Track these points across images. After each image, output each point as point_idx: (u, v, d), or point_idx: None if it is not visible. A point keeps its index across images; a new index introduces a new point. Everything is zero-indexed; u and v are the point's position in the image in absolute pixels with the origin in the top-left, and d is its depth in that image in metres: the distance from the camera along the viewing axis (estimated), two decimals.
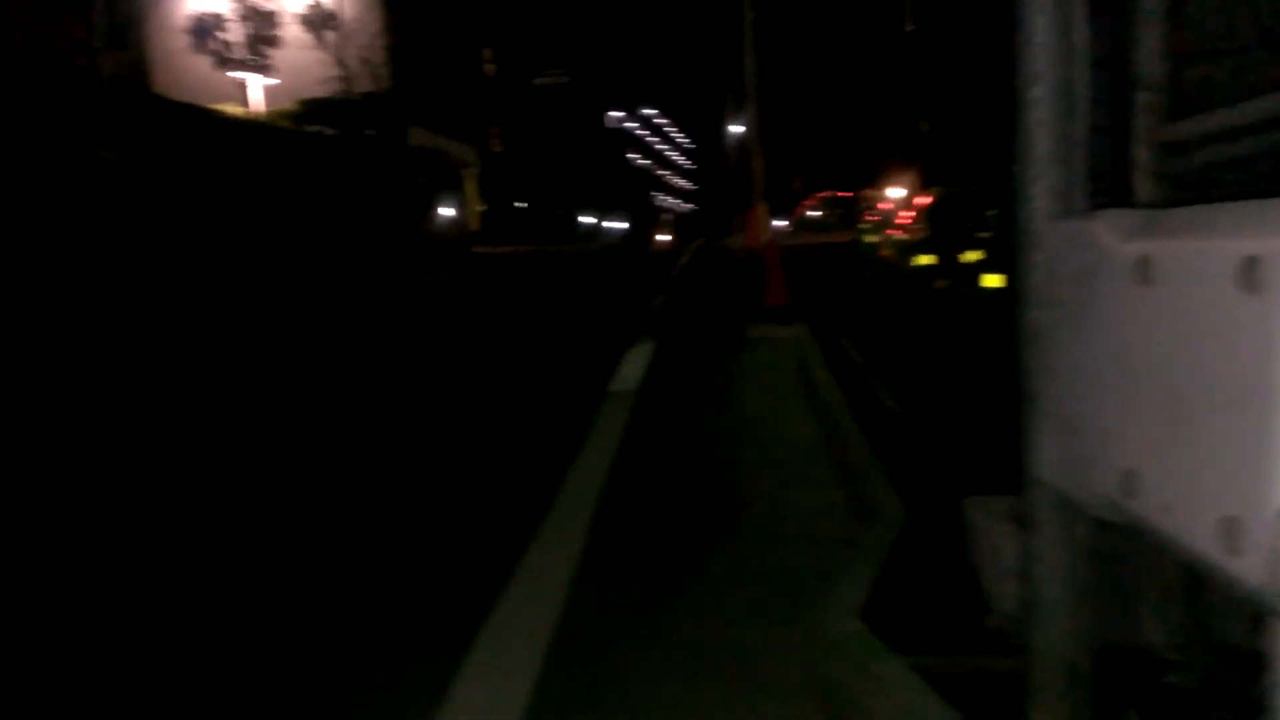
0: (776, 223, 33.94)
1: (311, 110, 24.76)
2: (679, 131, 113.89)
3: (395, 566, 3.56)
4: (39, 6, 18.98)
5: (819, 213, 42.42)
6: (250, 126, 20.80)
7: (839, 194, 42.44)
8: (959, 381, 6.20)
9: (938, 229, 13.28)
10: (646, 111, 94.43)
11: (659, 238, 46.74)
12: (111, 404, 7.34)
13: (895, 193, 21.09)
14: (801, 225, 41.69)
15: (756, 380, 7.13)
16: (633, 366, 7.82)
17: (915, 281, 13.62)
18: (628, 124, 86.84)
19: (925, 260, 13.94)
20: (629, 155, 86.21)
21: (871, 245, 18.99)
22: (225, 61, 28.88)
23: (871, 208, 22.00)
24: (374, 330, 12.45)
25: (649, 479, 4.62)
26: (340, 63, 28.87)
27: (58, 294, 12.06)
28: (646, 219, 58.75)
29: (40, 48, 16.08)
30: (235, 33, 28.77)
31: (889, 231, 17.80)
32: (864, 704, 2.25)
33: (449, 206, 29.96)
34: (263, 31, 28.98)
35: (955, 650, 2.40)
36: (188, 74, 28.41)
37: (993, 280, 10.42)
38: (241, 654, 2.84)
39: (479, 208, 44.73)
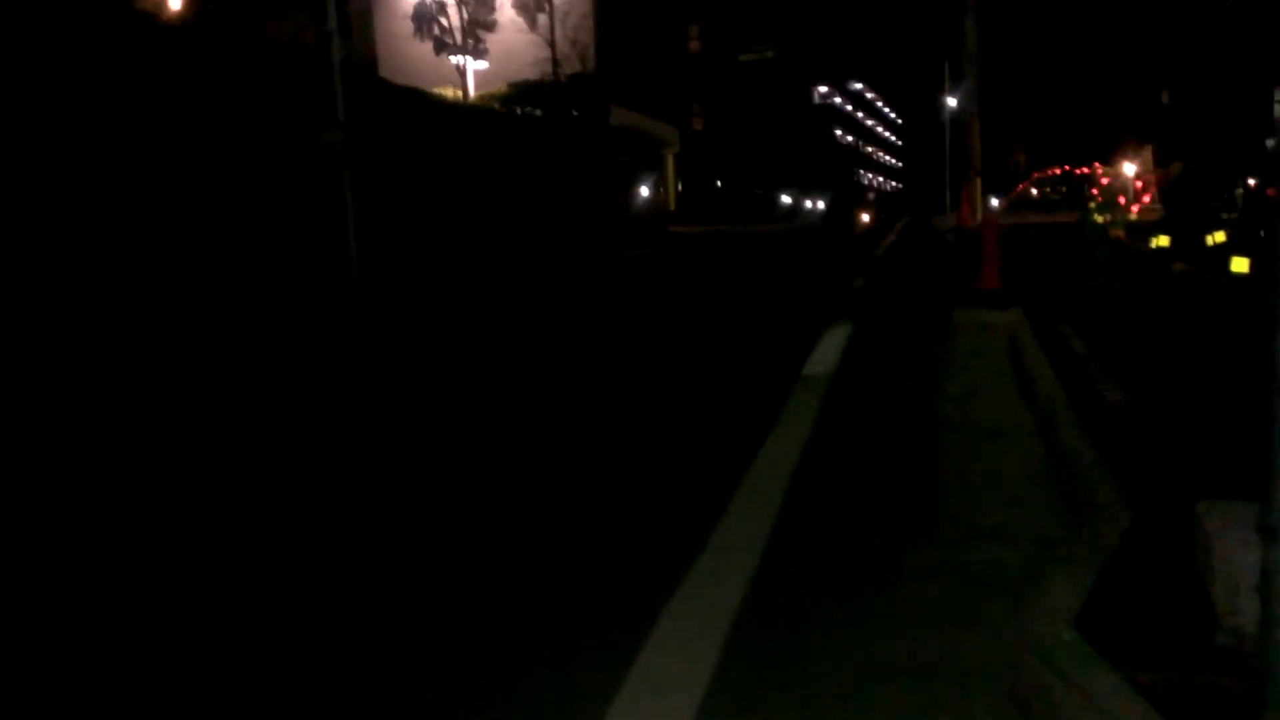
0: (993, 200, 32.30)
1: (520, 93, 25.60)
2: (888, 106, 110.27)
3: (590, 533, 3.60)
4: None
5: (1041, 190, 40.08)
6: (463, 109, 21.76)
7: (1064, 170, 39.89)
8: (1197, 376, 5.64)
9: (1177, 208, 12.18)
10: (854, 86, 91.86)
11: (863, 217, 45.52)
12: (358, 373, 7.87)
13: (1128, 169, 19.59)
14: (1021, 203, 39.53)
15: (964, 367, 6.78)
16: (829, 350, 7.62)
17: (1150, 265, 12.57)
18: (834, 99, 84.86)
19: (1162, 242, 12.84)
20: (834, 132, 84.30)
21: (1100, 225, 17.72)
22: (443, 46, 30.30)
23: (1101, 184, 20.55)
24: (573, 306, 12.75)
25: (842, 465, 4.46)
26: (549, 45, 29.67)
27: (291, 265, 13.06)
28: (850, 197, 57.32)
29: (272, 35, 17.37)
30: (453, 18, 30.11)
31: (1121, 210, 16.52)
32: None
33: (648, 185, 30.29)
34: (479, 17, 30.19)
35: (1180, 667, 2.18)
36: (410, 59, 30.04)
37: (1240, 265, 9.44)
38: (445, 612, 2.94)
39: (678, 187, 44.99)
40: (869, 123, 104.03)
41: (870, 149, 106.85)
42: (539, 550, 3.48)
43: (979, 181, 14.45)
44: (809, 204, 59.09)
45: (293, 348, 9.27)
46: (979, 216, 13.34)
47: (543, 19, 30.36)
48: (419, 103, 17.98)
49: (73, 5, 10.34)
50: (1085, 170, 34.29)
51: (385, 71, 26.13)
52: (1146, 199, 15.23)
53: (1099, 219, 18.62)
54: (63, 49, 10.00)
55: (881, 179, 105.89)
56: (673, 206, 41.30)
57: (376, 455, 5.02)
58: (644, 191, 29.82)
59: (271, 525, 3.90)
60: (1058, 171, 40.25)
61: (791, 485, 4.07)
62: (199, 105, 11.85)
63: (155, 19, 13.46)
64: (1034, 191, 39.83)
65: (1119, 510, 3.20)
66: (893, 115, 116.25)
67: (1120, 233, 15.77)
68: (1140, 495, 3.32)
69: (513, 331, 10.16)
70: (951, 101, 37.91)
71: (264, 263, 12.59)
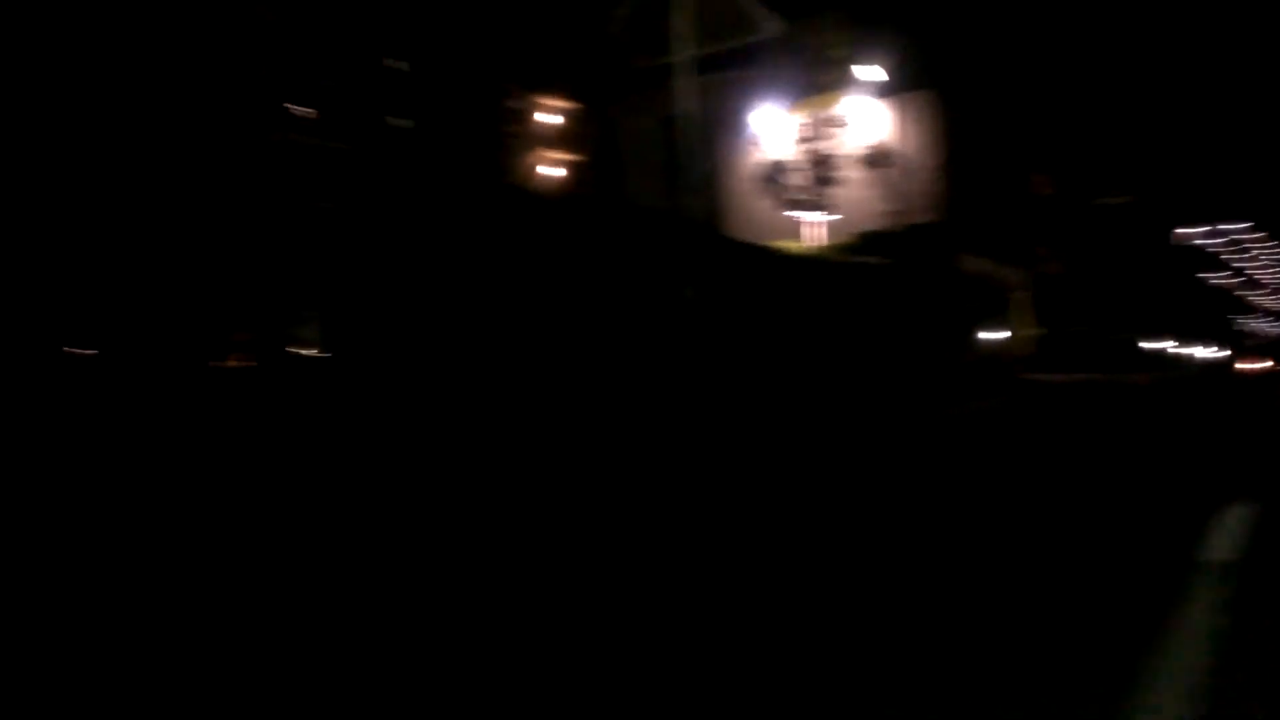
0: None
1: (866, 242, 25.82)
2: (1271, 245, 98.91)
3: None
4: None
5: None
6: (803, 260, 22.25)
7: None
8: None
9: None
10: (1226, 227, 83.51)
11: (1247, 365, 40.35)
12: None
13: None
14: None
15: None
16: (1230, 532, 6.56)
17: None
18: (1203, 240, 77.50)
19: None
20: (1206, 274, 76.62)
21: None
22: (787, 202, 31.45)
23: None
24: (907, 459, 12.16)
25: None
26: (896, 196, 29.87)
27: (652, 412, 13.68)
28: (1229, 343, 51.32)
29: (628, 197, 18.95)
30: (798, 177, 31.25)
31: None
32: None
33: (994, 331, 29.01)
34: (823, 174, 31.11)
35: None
36: (753, 214, 31.43)
37: None
38: None
39: (1031, 331, 42.78)
40: (1246, 263, 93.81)
41: (1249, 291, 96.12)
42: None
43: None
44: (1181, 350, 53.56)
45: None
46: None
47: (891, 172, 30.75)
48: (759, 255, 18.65)
49: (459, 185, 11.89)
50: None
51: (729, 227, 27.49)
52: None
53: None
54: (454, 222, 11.46)
55: (1272, 322, 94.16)
56: (1026, 352, 39.29)
57: None
58: (990, 337, 28.59)
59: None
60: None
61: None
62: (571, 262, 13.01)
63: (538, 192, 15.16)
64: None
65: None
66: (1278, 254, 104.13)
67: None
68: None
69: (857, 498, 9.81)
70: None
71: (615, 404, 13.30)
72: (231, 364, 19.24)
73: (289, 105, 23.40)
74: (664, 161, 20.41)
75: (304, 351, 17.17)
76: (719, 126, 29.51)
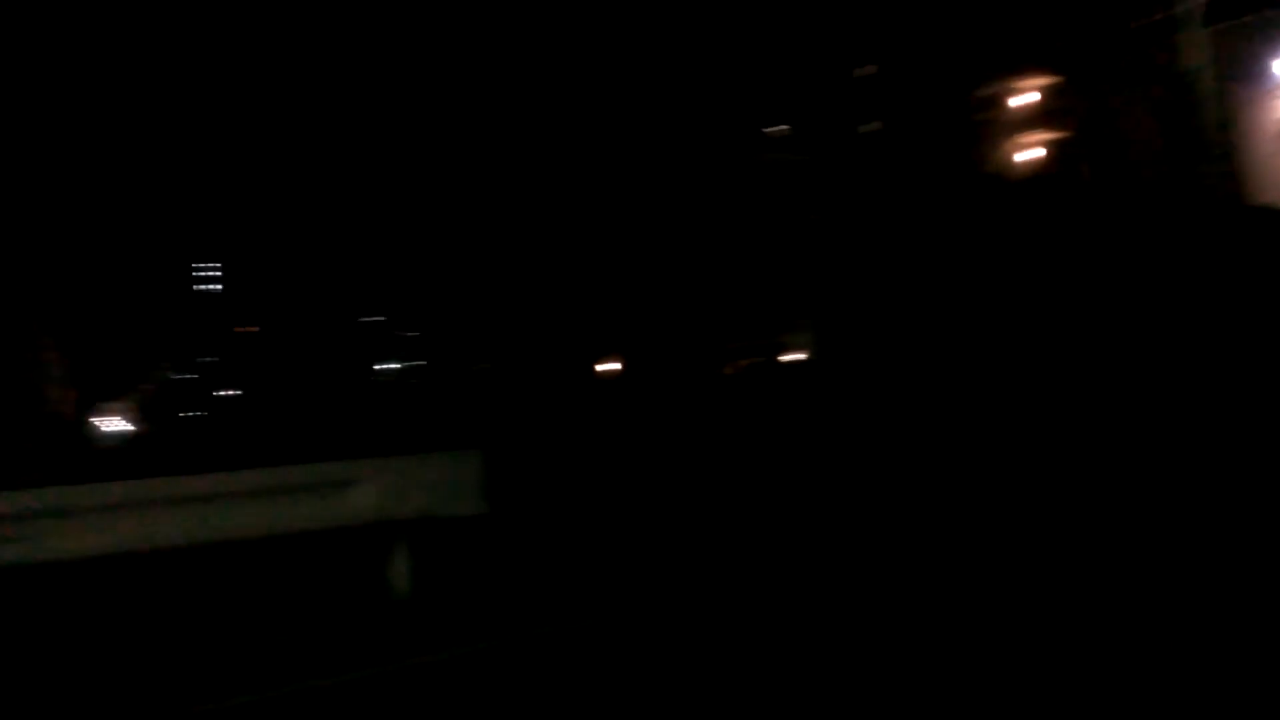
0: None
1: None
2: None
3: None
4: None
5: None
6: None
7: None
8: None
9: None
10: None
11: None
12: None
13: None
14: None
15: None
16: None
17: None
18: None
19: None
20: None
21: None
22: None
23: None
24: None
25: None
26: None
27: None
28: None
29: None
30: None
31: None
32: None
33: None
34: None
35: None
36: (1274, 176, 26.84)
37: None
38: None
39: None
40: None
41: None
42: None
43: None
44: None
45: None
46: None
47: None
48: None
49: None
50: None
51: (1259, 197, 23.84)
52: None
53: None
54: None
55: None
56: None
57: None
58: None
59: None
60: None
61: None
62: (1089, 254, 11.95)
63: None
64: None
65: None
66: None
67: None
68: None
69: None
70: None
71: None
72: (729, 371, 20.83)
73: (764, 128, 24.75)
74: (1164, 130, 18.33)
75: (793, 357, 18.00)
76: (1233, 81, 25.72)
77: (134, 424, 28.89)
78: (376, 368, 53.23)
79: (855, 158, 23.70)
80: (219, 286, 49.02)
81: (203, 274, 48.47)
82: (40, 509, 6.47)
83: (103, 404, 29.53)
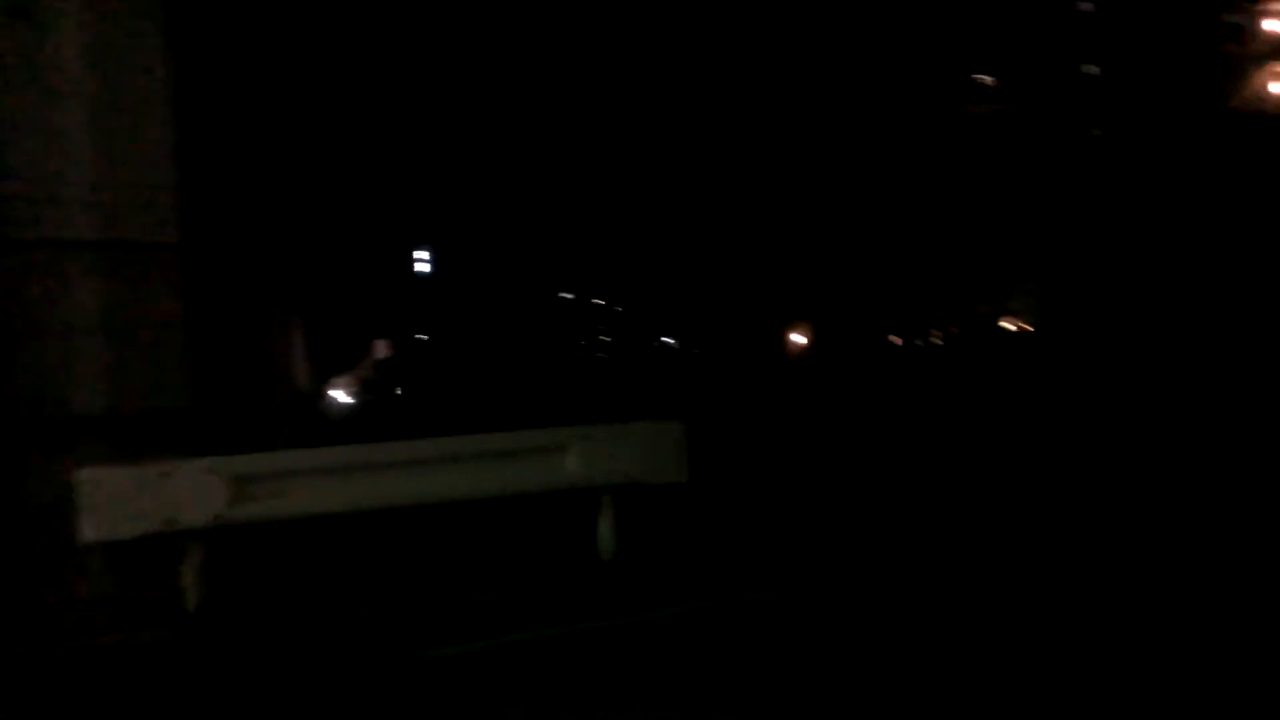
0: None
1: None
2: None
3: None
4: None
5: None
6: None
7: None
8: None
9: None
10: None
11: None
12: None
13: None
14: None
15: None
16: None
17: None
18: None
19: None
20: None
21: None
22: None
23: None
24: None
25: None
26: None
27: None
28: None
29: None
30: None
31: None
32: None
33: None
34: None
35: None
36: None
37: None
38: None
39: None
40: None
41: None
42: None
43: None
44: None
45: None
46: None
47: None
48: None
49: None
50: None
51: None
52: None
53: None
54: None
55: None
56: None
57: None
58: None
59: None
60: None
61: None
62: None
63: None
64: None
65: None
66: None
67: None
68: None
69: None
70: None
71: None
72: (936, 338, 19.95)
73: (975, 76, 23.24)
74: None
75: (1013, 325, 17.01)
76: None
77: (359, 396, 31.16)
78: (583, 342, 55.07)
79: (1075, 104, 21.92)
80: (428, 269, 52.36)
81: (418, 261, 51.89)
82: (286, 469, 7.06)
83: (334, 378, 32.06)
